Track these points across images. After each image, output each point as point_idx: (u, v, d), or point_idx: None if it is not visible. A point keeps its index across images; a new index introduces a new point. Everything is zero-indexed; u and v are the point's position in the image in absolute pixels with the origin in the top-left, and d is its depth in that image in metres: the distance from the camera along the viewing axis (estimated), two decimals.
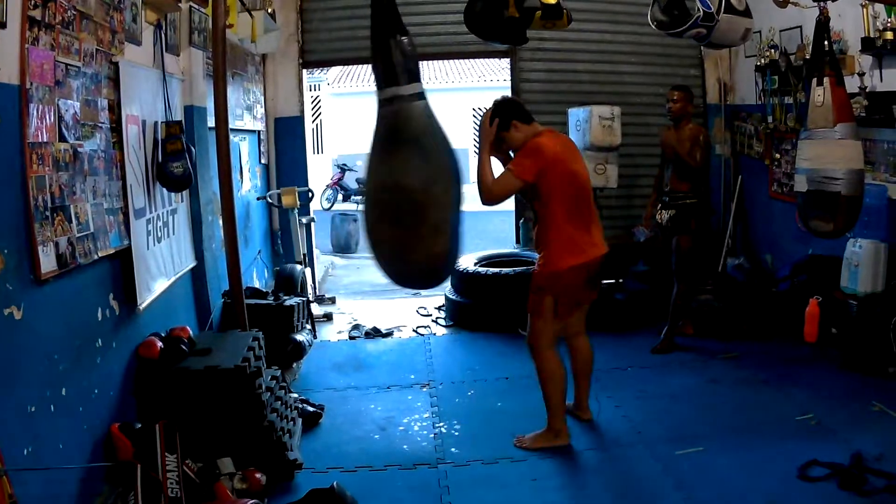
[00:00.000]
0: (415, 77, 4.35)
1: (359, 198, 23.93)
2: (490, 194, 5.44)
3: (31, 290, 4.04)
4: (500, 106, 5.67)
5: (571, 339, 6.00)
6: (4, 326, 3.80)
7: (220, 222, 6.83)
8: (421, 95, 4.33)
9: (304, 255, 9.65)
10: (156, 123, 5.92)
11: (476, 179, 5.44)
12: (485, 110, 5.66)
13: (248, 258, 8.96)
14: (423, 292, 10.80)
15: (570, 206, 5.52)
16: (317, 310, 9.56)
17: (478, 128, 5.51)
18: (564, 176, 5.48)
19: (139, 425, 4.83)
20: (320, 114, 30.25)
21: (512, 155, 5.68)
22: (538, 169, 5.38)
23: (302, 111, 10.53)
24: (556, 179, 5.43)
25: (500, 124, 5.56)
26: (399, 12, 4.47)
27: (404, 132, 4.27)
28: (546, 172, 5.40)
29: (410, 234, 4.27)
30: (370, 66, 4.44)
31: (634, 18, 9.51)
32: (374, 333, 8.92)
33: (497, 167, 5.50)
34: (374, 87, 4.50)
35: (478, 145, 5.50)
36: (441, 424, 6.25)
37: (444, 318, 9.43)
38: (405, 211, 4.24)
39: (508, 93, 10.25)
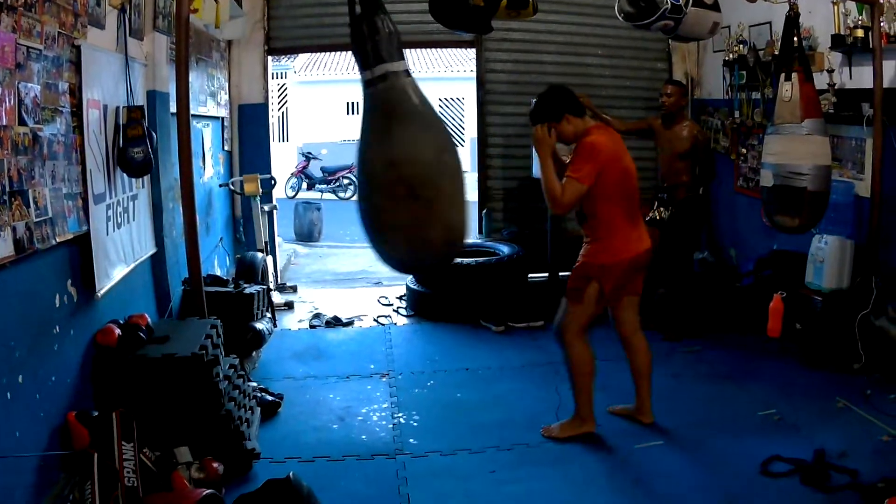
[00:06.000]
0: (402, 55, 4.32)
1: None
2: (560, 205, 5.42)
3: None
4: (552, 97, 5.66)
5: (628, 338, 5.98)
6: None
7: (182, 209, 6.76)
8: (408, 72, 4.30)
9: (265, 242, 9.61)
10: (117, 108, 5.85)
11: (544, 190, 5.41)
12: (533, 110, 5.68)
13: (210, 245, 8.89)
14: (385, 281, 10.80)
15: (624, 203, 5.51)
16: (278, 298, 9.50)
17: (534, 139, 5.45)
18: (619, 175, 5.46)
19: (96, 413, 4.77)
20: (286, 102, 30.16)
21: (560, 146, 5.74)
22: (597, 172, 5.33)
23: (266, 98, 10.46)
24: (612, 179, 5.40)
25: (551, 115, 5.55)
26: None
27: (404, 106, 4.19)
28: (603, 173, 5.35)
29: (426, 208, 4.12)
30: (353, 47, 4.34)
31: (602, 10, 9.49)
32: (335, 322, 8.88)
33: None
34: (357, 70, 4.42)
35: (538, 157, 5.48)
36: (400, 415, 6.24)
37: (406, 308, 9.40)
38: (419, 184, 4.11)
39: (474, 84, 10.31)
